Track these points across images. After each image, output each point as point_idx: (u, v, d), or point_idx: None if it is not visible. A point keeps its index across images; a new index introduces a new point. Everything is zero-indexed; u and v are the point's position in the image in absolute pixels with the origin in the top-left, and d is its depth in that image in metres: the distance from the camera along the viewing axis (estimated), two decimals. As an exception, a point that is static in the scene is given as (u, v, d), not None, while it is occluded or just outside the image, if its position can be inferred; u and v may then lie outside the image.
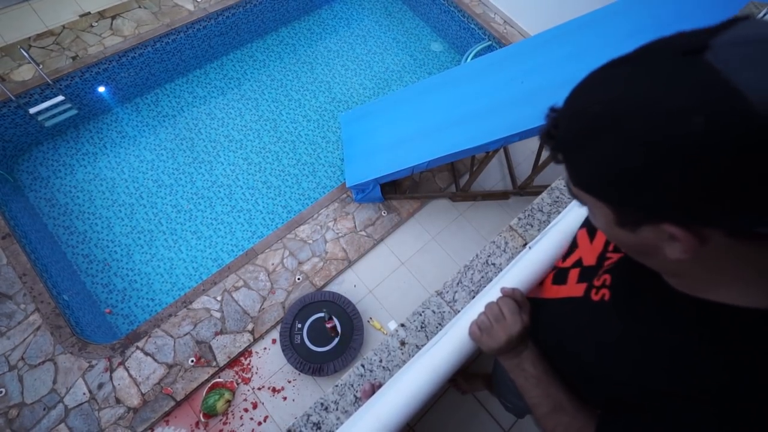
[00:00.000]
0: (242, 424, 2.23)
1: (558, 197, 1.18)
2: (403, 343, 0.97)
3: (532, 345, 0.66)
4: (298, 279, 2.58)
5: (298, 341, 2.36)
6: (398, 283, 2.69)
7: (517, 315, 0.64)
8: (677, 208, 0.33)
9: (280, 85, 3.64)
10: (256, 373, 2.36)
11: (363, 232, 2.78)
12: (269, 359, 2.39)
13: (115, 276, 2.72)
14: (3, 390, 2.09)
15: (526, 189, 2.90)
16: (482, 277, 1.04)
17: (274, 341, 2.43)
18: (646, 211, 0.36)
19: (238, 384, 2.32)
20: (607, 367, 0.50)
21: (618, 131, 0.33)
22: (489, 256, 1.08)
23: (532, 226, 1.13)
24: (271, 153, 3.30)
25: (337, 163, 3.32)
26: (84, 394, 2.14)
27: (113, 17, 3.22)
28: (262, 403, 2.30)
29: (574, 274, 0.62)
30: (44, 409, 2.08)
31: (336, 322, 2.37)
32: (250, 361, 2.38)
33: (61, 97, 2.87)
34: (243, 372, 2.35)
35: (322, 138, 3.43)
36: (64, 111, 2.95)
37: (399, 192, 2.91)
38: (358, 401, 0.89)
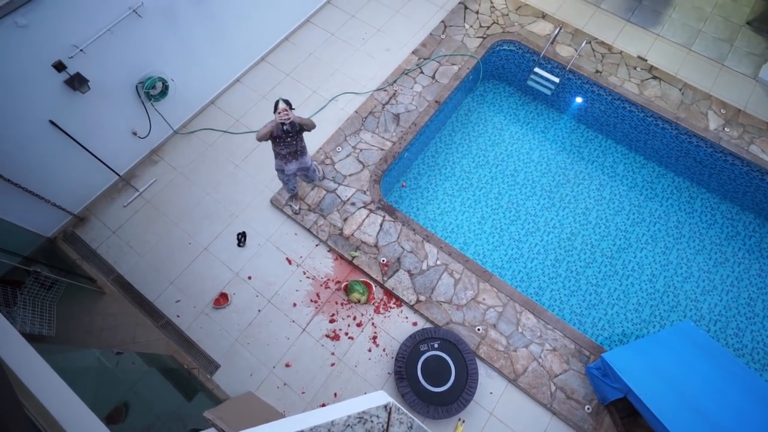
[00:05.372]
0: (341, 320, 2.58)
1: None
2: None
3: None
4: (479, 328, 2.53)
5: (425, 348, 2.41)
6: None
7: None
8: None
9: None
10: (386, 317, 2.59)
11: (553, 384, 2.39)
12: (401, 326, 2.56)
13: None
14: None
15: None
16: None
17: (415, 323, 2.57)
18: None
19: (375, 304, 2.62)
20: None
21: None
22: None
23: None
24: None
25: (620, 328, 2.83)
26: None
27: (655, 77, 3.37)
28: (362, 329, 2.55)
29: None
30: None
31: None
32: (392, 310, 2.61)
33: (557, 80, 3.36)
34: (384, 306, 2.62)
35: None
36: (546, 87, 3.46)
37: (629, 426, 2.26)
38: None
